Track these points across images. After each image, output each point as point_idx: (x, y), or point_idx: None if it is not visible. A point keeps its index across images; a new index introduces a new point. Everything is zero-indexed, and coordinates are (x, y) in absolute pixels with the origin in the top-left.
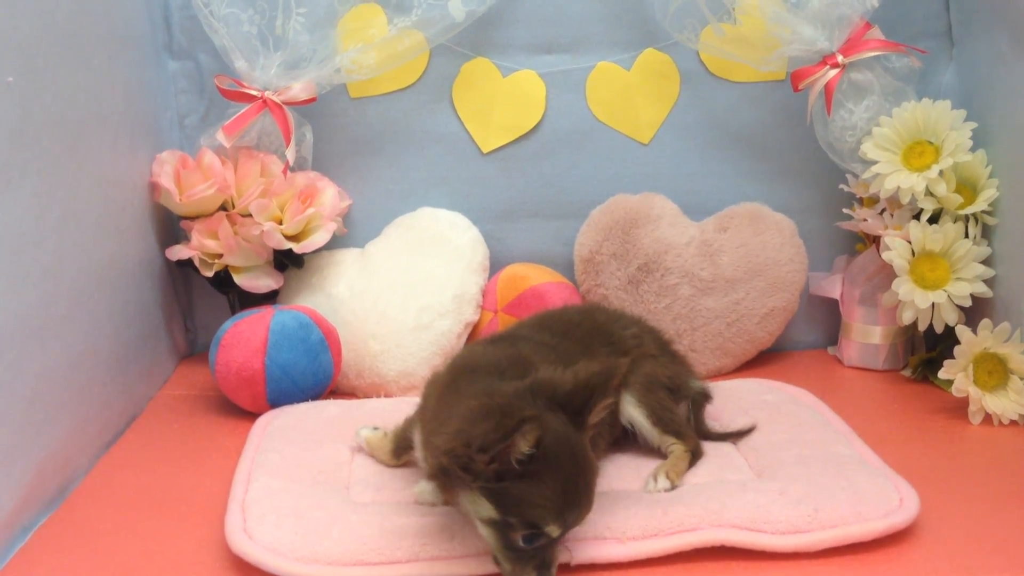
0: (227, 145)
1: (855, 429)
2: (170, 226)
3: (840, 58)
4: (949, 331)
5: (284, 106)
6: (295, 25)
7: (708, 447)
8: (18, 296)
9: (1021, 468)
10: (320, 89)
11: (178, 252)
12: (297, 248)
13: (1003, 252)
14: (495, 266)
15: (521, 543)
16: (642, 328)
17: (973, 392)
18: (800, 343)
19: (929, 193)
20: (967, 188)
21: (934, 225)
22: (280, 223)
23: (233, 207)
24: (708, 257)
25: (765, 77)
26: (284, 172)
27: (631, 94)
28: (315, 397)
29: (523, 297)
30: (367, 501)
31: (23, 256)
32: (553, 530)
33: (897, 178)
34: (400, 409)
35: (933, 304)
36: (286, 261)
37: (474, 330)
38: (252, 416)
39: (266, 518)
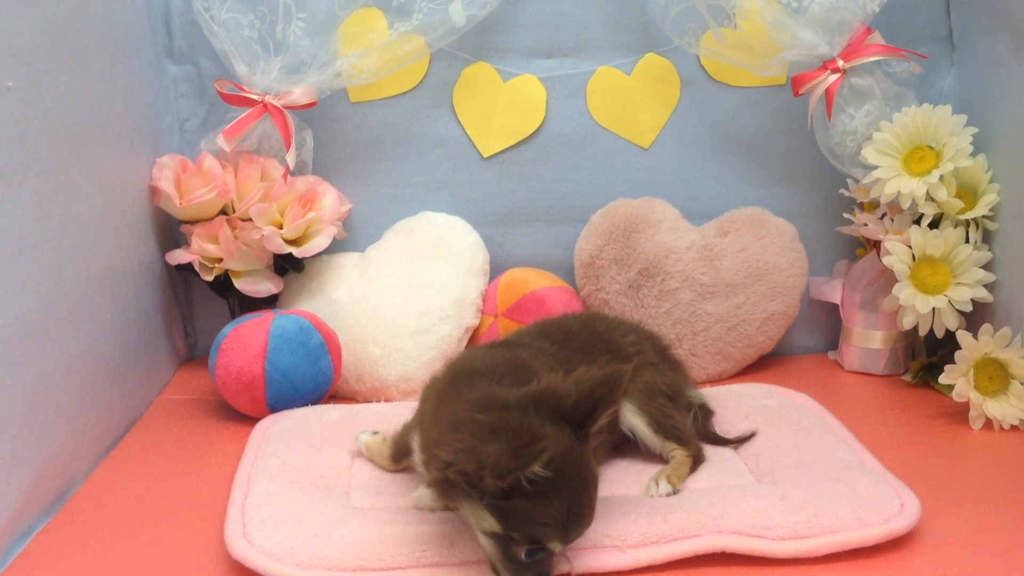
0: (227, 149)
1: (856, 434)
2: (170, 230)
3: (841, 63)
4: (950, 336)
5: (284, 110)
6: (296, 30)
7: (709, 452)
8: (18, 300)
9: (1022, 473)
10: (320, 93)
11: (178, 256)
12: (297, 252)
13: (1004, 257)
14: (495, 270)
15: (523, 557)
16: (641, 335)
17: (974, 397)
18: (800, 348)
19: (930, 198)
20: (968, 193)
21: (935, 230)
22: (280, 227)
23: (233, 211)
24: (708, 261)
25: (766, 82)
26: (284, 176)
27: (632, 99)
28: (315, 401)
29: (523, 301)
30: (367, 506)
31: (23, 260)
32: (556, 546)
33: (898, 183)
34: (400, 413)
35: (934, 309)
36: (286, 265)
37: (474, 334)
38: (252, 421)
39: (266, 523)
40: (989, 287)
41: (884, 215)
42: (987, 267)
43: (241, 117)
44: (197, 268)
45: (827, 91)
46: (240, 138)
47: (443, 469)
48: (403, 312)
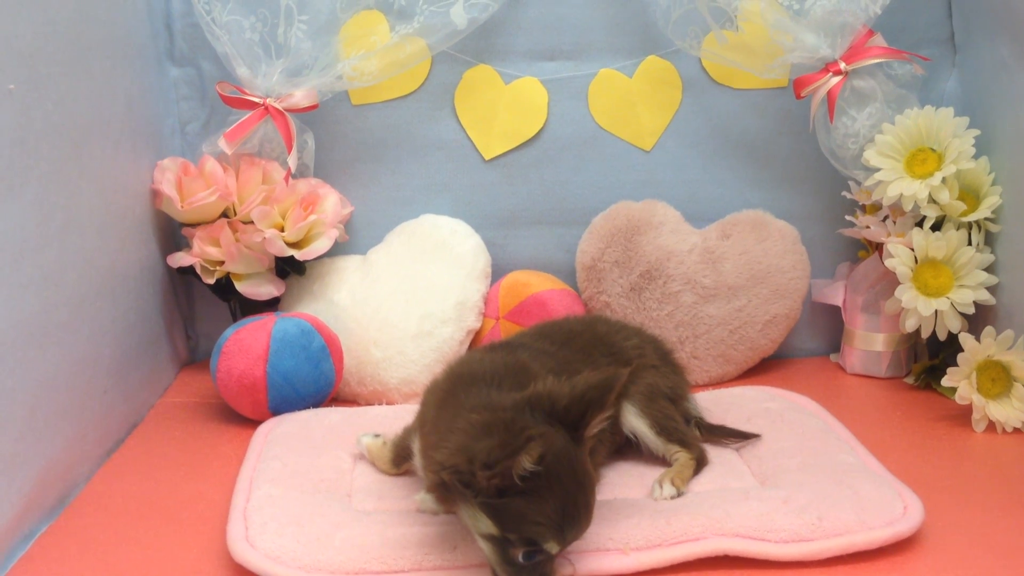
0: (229, 152)
1: (858, 437)
2: (171, 233)
3: (843, 65)
4: (952, 338)
5: (286, 113)
6: (297, 32)
7: (711, 455)
8: (19, 303)
9: None
10: (322, 96)
11: (179, 259)
12: (299, 255)
13: (1006, 259)
14: (497, 273)
15: (520, 559)
16: (643, 338)
17: (976, 400)
18: (802, 350)
19: (932, 200)
20: (970, 195)
21: (937, 232)
22: (282, 230)
23: (235, 214)
24: (710, 264)
25: (767, 84)
26: (286, 179)
27: (633, 101)
28: (317, 405)
29: (525, 304)
30: (369, 509)
31: (24, 263)
32: (552, 547)
33: (900, 185)
34: (402, 416)
35: (936, 311)
36: (288, 268)
37: (476, 337)
38: (253, 424)
39: (268, 526)
40: (991, 289)
41: (886, 217)
42: (989, 269)
43: (242, 120)
44: (198, 271)
45: (829, 93)
46: (241, 141)
47: (438, 471)
48: (405, 315)
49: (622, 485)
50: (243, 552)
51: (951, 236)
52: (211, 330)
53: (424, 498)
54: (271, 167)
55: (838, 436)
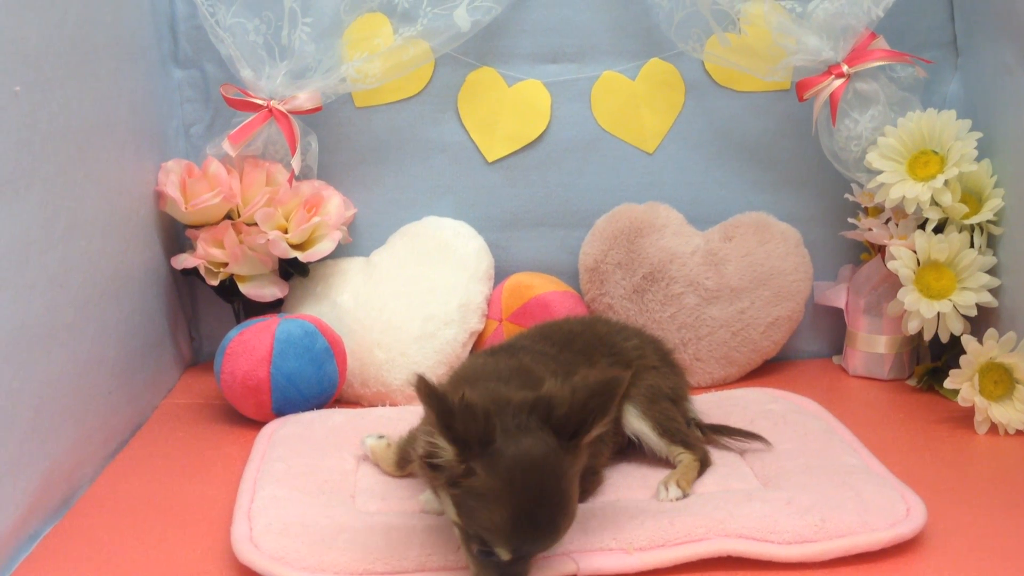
0: (233, 154)
1: (861, 438)
2: (176, 235)
3: (845, 68)
4: (955, 341)
5: (290, 115)
6: (301, 35)
7: (714, 456)
8: (24, 304)
9: None
10: (325, 98)
11: (183, 261)
12: (302, 257)
13: (1008, 262)
14: (500, 275)
15: (479, 555)
16: (644, 339)
17: (979, 402)
18: (805, 352)
19: (934, 203)
20: (972, 198)
21: (939, 235)
22: (285, 232)
23: (239, 216)
24: (713, 266)
25: (770, 87)
26: (290, 181)
27: (636, 104)
28: (320, 406)
29: (528, 306)
30: (373, 510)
31: (29, 264)
32: (503, 553)
33: (902, 188)
34: (405, 418)
35: (938, 313)
36: (291, 270)
37: (479, 339)
38: (257, 425)
39: (272, 527)
40: (994, 292)
41: (889, 220)
42: (992, 272)
43: (246, 122)
44: (202, 272)
45: (832, 96)
46: (245, 143)
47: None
48: (408, 317)
49: (625, 486)
50: (247, 553)
51: (953, 238)
52: (215, 331)
53: (428, 499)
54: (275, 169)
55: (841, 438)
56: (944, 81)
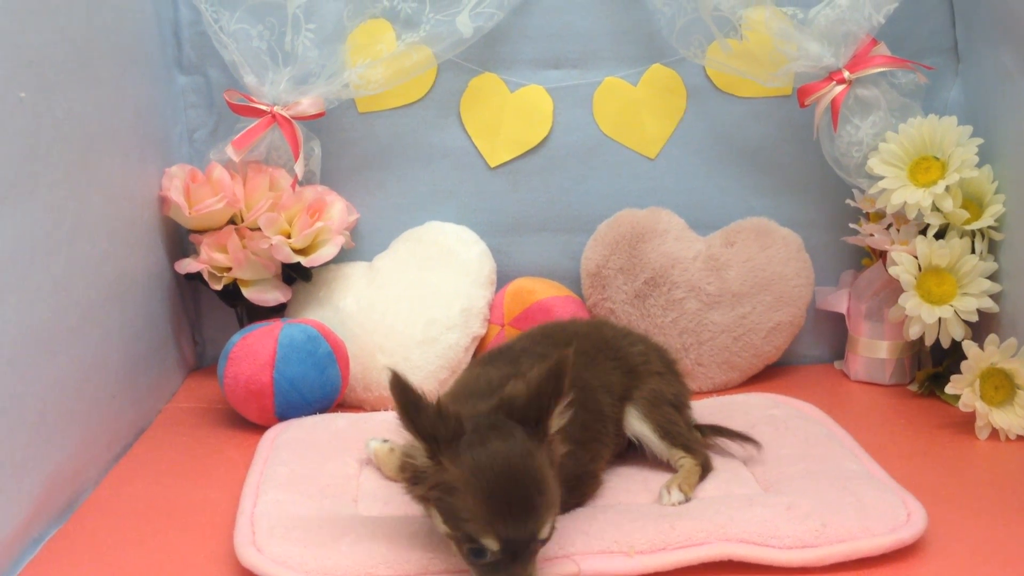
0: (236, 159)
1: (862, 444)
2: (179, 240)
3: (846, 74)
4: (956, 346)
5: (293, 121)
6: (304, 41)
7: (715, 461)
8: (29, 309)
9: None
10: (328, 104)
11: (187, 265)
12: (305, 262)
13: (1009, 267)
14: (502, 280)
15: (472, 557)
16: (649, 346)
17: (980, 407)
18: (806, 357)
19: (935, 208)
20: (973, 203)
21: (940, 240)
22: (288, 237)
23: (242, 221)
24: (715, 271)
25: (771, 92)
26: (293, 186)
27: (638, 109)
28: (323, 410)
29: (530, 311)
30: (375, 514)
31: (34, 269)
32: (491, 543)
33: (903, 193)
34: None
35: (940, 319)
36: (294, 274)
37: (481, 344)
38: (260, 429)
39: (275, 531)
40: (995, 297)
41: (890, 225)
42: (993, 277)
43: (250, 127)
44: (206, 277)
45: (833, 102)
46: (249, 148)
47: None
48: (410, 321)
49: (626, 490)
50: (250, 557)
51: (954, 244)
52: (218, 336)
53: None
54: (278, 174)
55: (842, 443)
56: (945, 87)
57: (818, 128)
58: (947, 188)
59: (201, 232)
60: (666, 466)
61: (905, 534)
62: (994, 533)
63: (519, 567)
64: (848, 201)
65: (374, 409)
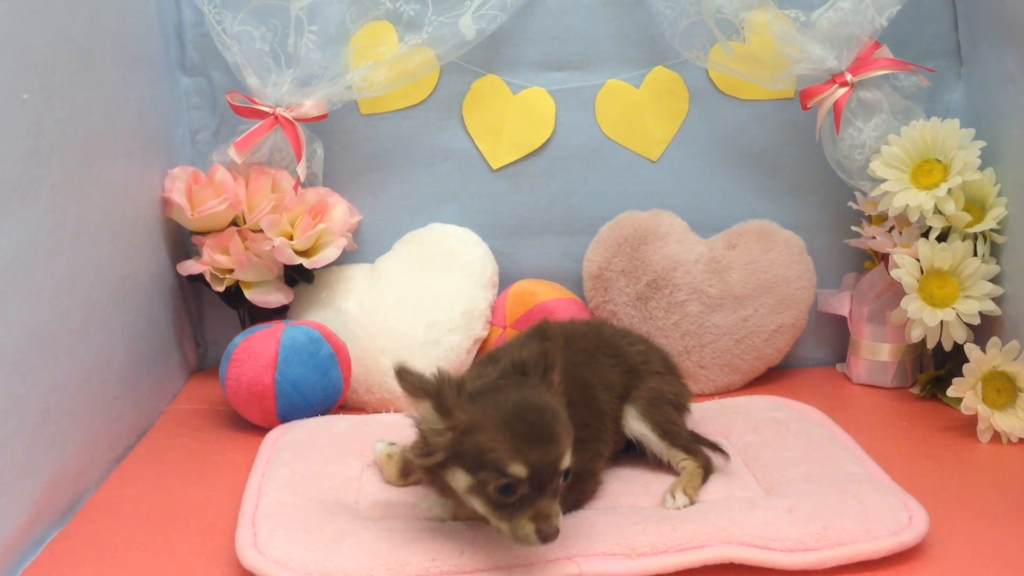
0: (239, 161)
1: (864, 446)
2: (182, 241)
3: (849, 77)
4: (958, 349)
5: (295, 122)
6: (307, 42)
7: (718, 464)
8: (32, 310)
9: None
10: (331, 106)
11: (189, 267)
12: (307, 263)
13: (1012, 270)
14: (504, 282)
15: (500, 496)
16: (649, 346)
17: (982, 410)
18: (809, 360)
19: (938, 211)
20: (976, 206)
21: (943, 243)
22: (291, 238)
23: (244, 223)
24: (717, 274)
25: (774, 95)
26: (295, 188)
27: (640, 111)
28: (325, 412)
29: (532, 313)
30: (377, 516)
31: (37, 270)
32: (519, 470)
33: (906, 196)
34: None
35: (942, 322)
36: (296, 276)
37: (483, 346)
38: (262, 431)
39: (276, 533)
40: (997, 300)
41: (892, 228)
42: (995, 280)
43: (252, 129)
44: (208, 279)
45: (835, 104)
46: (251, 150)
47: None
48: (412, 323)
49: (628, 493)
50: (252, 559)
51: (957, 247)
52: (220, 337)
53: (432, 505)
54: (280, 176)
55: (844, 446)
56: (948, 90)
57: (820, 131)
58: (949, 191)
59: (203, 234)
60: (666, 467)
61: (907, 537)
62: (996, 536)
63: (546, 502)
64: (850, 204)
65: (376, 411)
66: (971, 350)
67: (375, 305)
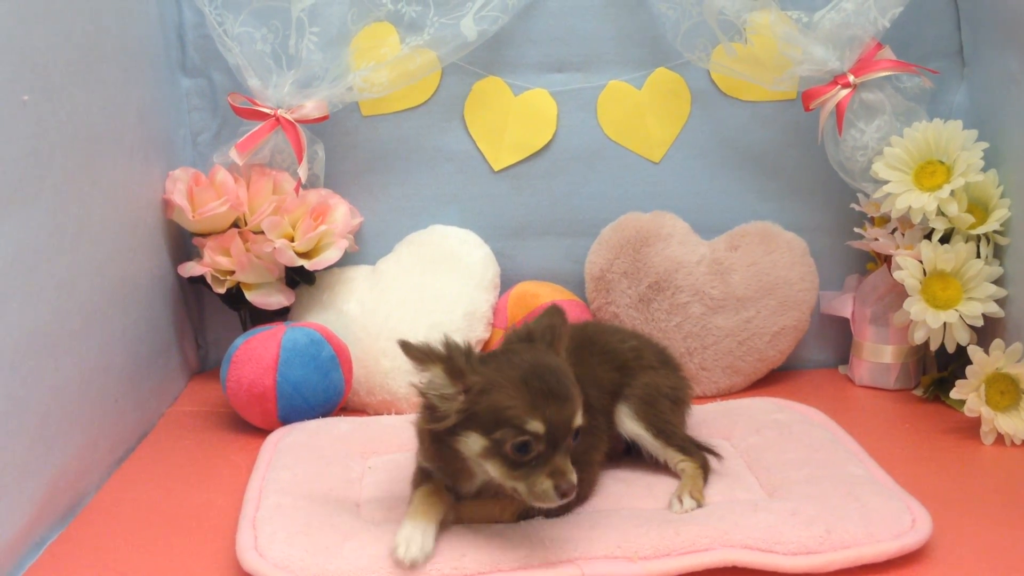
0: (240, 163)
1: (867, 449)
2: (183, 243)
3: (851, 78)
4: (961, 351)
5: (297, 124)
6: (308, 44)
7: (719, 466)
8: (32, 312)
9: None
10: (332, 107)
11: (190, 269)
12: (309, 265)
13: (1015, 272)
14: (506, 284)
15: (517, 454)
16: (643, 342)
17: (985, 412)
18: (811, 362)
19: (940, 213)
20: (979, 208)
21: (945, 245)
22: (292, 240)
23: (245, 224)
24: (719, 276)
25: (776, 96)
26: (296, 189)
27: (642, 113)
28: (326, 414)
29: (533, 315)
30: (378, 519)
31: (37, 272)
32: (537, 426)
33: (908, 198)
34: (410, 426)
35: (945, 324)
36: (297, 278)
37: (484, 347)
38: (263, 433)
39: (277, 535)
40: (1000, 302)
41: (895, 230)
42: (998, 282)
43: (254, 131)
44: (209, 280)
45: (838, 106)
46: (252, 151)
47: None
48: (414, 325)
49: (629, 495)
50: (252, 561)
51: (960, 249)
52: (221, 339)
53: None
54: (282, 177)
55: (846, 448)
56: (950, 91)
57: (823, 132)
58: (952, 192)
59: (204, 235)
60: (666, 468)
61: (910, 540)
62: (999, 539)
63: (560, 458)
64: (853, 205)
65: (377, 413)
66: (974, 352)
67: (376, 307)
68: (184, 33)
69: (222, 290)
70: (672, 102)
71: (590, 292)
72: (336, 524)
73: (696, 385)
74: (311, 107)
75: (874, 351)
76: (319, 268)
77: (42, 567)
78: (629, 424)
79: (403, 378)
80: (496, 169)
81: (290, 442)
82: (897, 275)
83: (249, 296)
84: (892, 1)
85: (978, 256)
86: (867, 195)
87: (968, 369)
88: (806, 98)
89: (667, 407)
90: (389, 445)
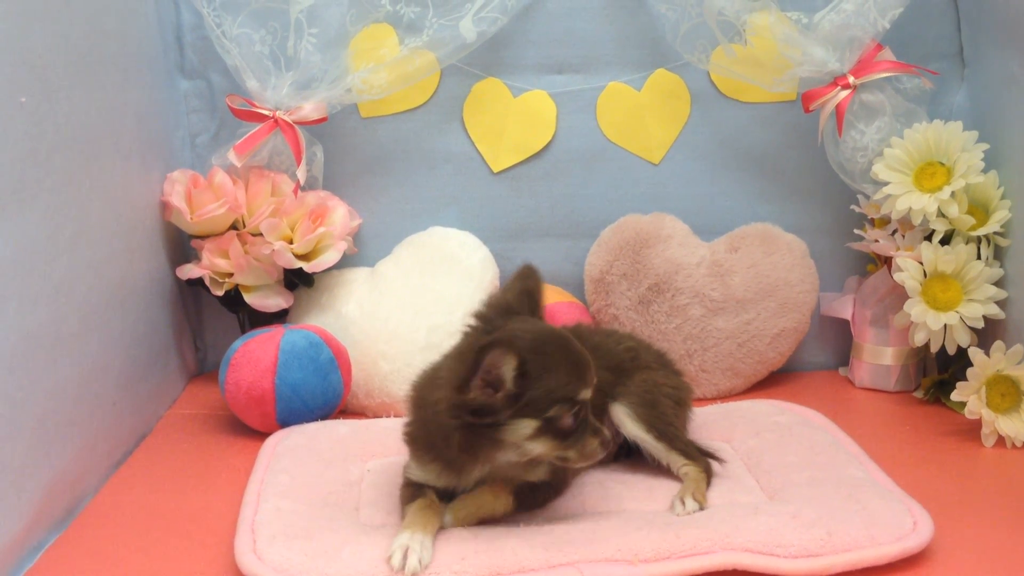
0: (238, 164)
1: (867, 451)
2: (181, 245)
3: (851, 79)
4: (961, 353)
5: (295, 125)
6: (307, 45)
7: (720, 469)
8: (30, 314)
9: None
10: (331, 109)
11: (189, 271)
12: (307, 267)
13: (1015, 274)
14: None
15: (571, 423)
16: (640, 344)
17: (986, 414)
18: (811, 364)
19: (941, 214)
20: (979, 209)
21: (946, 246)
22: (290, 242)
23: (244, 226)
24: (719, 277)
25: (776, 98)
26: (295, 191)
27: (642, 114)
28: (325, 417)
29: None
30: (377, 523)
31: (35, 274)
32: (585, 392)
33: (909, 199)
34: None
35: (945, 325)
36: (296, 280)
37: None
38: (262, 436)
39: (276, 539)
40: (1001, 304)
41: (895, 231)
42: (999, 284)
43: (252, 132)
44: (207, 283)
45: (838, 107)
46: (251, 153)
47: (456, 415)
48: (413, 327)
49: (631, 498)
50: (251, 565)
51: (960, 250)
52: (220, 342)
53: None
54: (280, 179)
55: (847, 450)
56: (951, 92)
57: (823, 133)
58: (952, 194)
59: (203, 237)
60: (667, 470)
61: (911, 543)
62: (1001, 541)
63: (592, 422)
64: (853, 207)
65: (376, 416)
66: (975, 354)
67: (375, 309)
68: (182, 35)
69: (220, 292)
70: (672, 103)
71: (589, 294)
72: (335, 528)
73: (696, 387)
74: (310, 109)
75: (874, 353)
76: (318, 270)
77: (40, 570)
78: (630, 425)
79: (402, 381)
80: (495, 171)
81: (289, 445)
82: (897, 277)
83: (248, 298)
84: (892, 2)
85: (979, 258)
86: (867, 196)
87: (969, 371)
88: (806, 99)
89: (669, 408)
90: (388, 448)
